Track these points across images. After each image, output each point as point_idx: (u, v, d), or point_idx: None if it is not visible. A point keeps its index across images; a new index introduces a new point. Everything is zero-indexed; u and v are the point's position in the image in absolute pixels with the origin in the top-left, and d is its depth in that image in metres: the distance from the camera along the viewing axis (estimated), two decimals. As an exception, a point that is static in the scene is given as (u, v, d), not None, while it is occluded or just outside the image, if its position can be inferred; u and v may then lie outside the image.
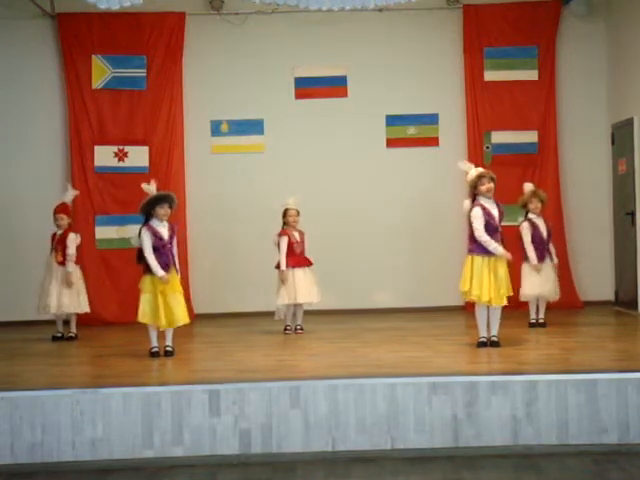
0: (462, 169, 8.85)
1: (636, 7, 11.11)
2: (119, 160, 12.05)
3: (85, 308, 10.27)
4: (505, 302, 8.59)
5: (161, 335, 8.69)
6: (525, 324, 10.06)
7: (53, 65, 12.12)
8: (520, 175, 11.83)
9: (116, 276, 11.73)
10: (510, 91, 12.17)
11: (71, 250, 10.06)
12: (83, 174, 11.96)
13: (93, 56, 12.02)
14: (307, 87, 12.28)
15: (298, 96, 12.29)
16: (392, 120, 12.30)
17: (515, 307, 9.86)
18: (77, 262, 10.27)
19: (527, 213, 10.12)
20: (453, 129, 12.25)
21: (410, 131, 12.32)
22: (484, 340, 8.65)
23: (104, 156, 12.00)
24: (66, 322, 10.32)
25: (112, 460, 6.78)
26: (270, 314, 10.45)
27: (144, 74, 12.09)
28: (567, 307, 11.26)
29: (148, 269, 8.52)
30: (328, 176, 12.16)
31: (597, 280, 12.08)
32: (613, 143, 12.02)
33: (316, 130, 12.25)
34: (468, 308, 9.78)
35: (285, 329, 10.26)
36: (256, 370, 7.75)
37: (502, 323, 8.74)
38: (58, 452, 6.78)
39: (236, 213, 12.17)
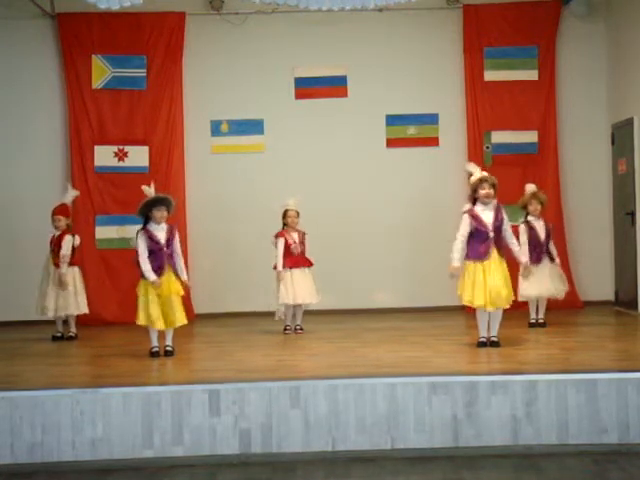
0: (468, 171, 8.85)
1: (636, 7, 11.11)
2: (119, 160, 12.05)
3: (84, 309, 10.26)
4: (500, 306, 8.56)
5: (161, 335, 8.69)
6: (525, 324, 10.06)
7: (53, 65, 12.12)
8: (520, 175, 11.84)
9: (116, 276, 11.73)
10: (510, 91, 12.17)
11: (65, 251, 10.02)
12: (83, 174, 11.97)
13: (93, 56, 12.02)
14: (307, 87, 12.28)
15: (298, 96, 12.29)
16: (392, 120, 12.30)
17: (515, 307, 9.85)
18: (77, 263, 10.29)
19: (527, 214, 10.12)
20: (453, 129, 12.25)
21: (410, 131, 12.32)
22: (484, 340, 8.66)
23: (104, 156, 12.01)
24: (66, 322, 10.32)
25: (112, 460, 6.78)
26: (270, 314, 10.45)
27: (144, 74, 12.09)
28: (567, 307, 11.24)
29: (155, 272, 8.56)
30: (328, 176, 12.16)
31: (597, 280, 12.08)
32: (613, 143, 12.02)
33: (316, 130, 12.25)
34: (468, 308, 9.78)
35: (285, 329, 10.26)
36: (256, 370, 7.75)
37: (502, 323, 8.74)
38: (58, 452, 6.79)
39: (236, 213, 12.17)
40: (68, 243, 10.08)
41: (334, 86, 12.28)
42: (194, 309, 11.89)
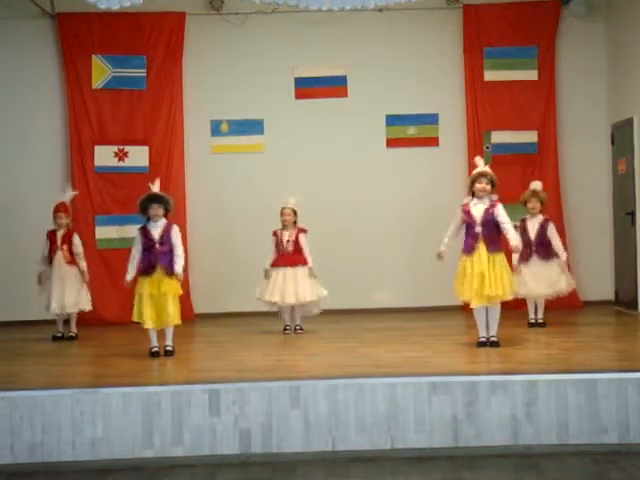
0: (477, 163, 8.87)
1: (636, 7, 11.11)
2: (119, 160, 12.05)
3: (89, 305, 10.31)
4: (483, 303, 8.55)
5: (161, 335, 8.69)
6: (525, 324, 10.06)
7: (53, 65, 12.12)
8: (520, 175, 11.86)
9: (116, 276, 11.66)
10: (510, 91, 12.17)
11: (79, 249, 10.25)
12: (83, 174, 11.97)
13: (93, 56, 12.02)
14: (307, 87, 12.28)
15: (298, 96, 12.29)
16: (392, 120, 12.30)
17: (515, 307, 9.87)
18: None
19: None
20: (453, 129, 12.26)
21: (410, 131, 12.32)
22: (483, 340, 8.66)
23: (104, 156, 12.01)
24: (66, 322, 10.32)
25: (112, 460, 6.78)
26: (270, 314, 10.46)
27: (144, 74, 12.09)
28: (567, 307, 11.25)
29: (140, 271, 8.57)
30: (328, 176, 12.16)
31: (597, 280, 12.08)
32: (613, 143, 12.02)
33: (316, 130, 12.25)
34: (467, 308, 9.77)
35: (285, 329, 10.26)
36: (256, 370, 7.76)
37: (501, 323, 8.74)
38: (58, 452, 6.79)
39: (236, 213, 12.18)
40: (79, 240, 10.26)
41: (334, 86, 12.28)
42: (194, 309, 11.90)
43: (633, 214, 11.26)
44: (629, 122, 11.36)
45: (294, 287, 10.05)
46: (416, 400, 6.86)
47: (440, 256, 8.77)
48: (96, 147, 12.02)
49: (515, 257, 9.66)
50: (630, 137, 11.32)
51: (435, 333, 9.93)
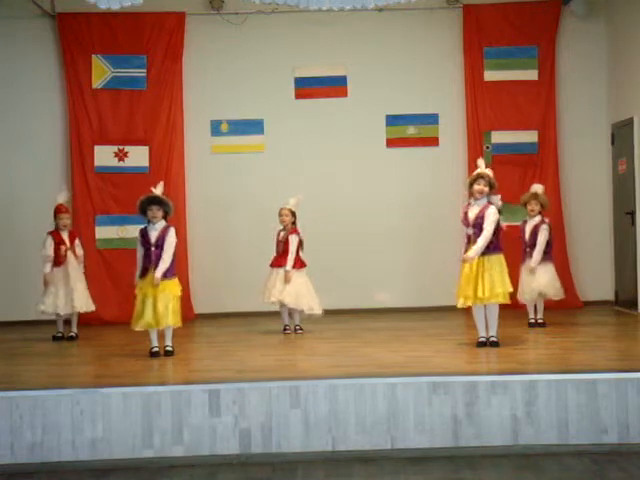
0: (479, 165, 8.86)
1: (636, 7, 11.11)
2: (119, 160, 12.05)
3: (92, 306, 10.35)
4: (468, 304, 8.56)
5: (161, 335, 8.69)
6: (524, 324, 10.06)
7: (53, 65, 12.12)
8: (520, 175, 11.89)
9: (116, 276, 11.72)
10: (510, 91, 12.17)
11: (82, 250, 10.34)
12: (83, 174, 11.97)
13: (93, 56, 12.02)
14: (307, 87, 12.28)
15: (298, 96, 12.29)
16: (392, 120, 12.30)
17: (515, 307, 9.86)
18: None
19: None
20: (453, 129, 12.26)
21: (410, 131, 12.32)
22: (483, 340, 8.66)
23: (104, 156, 12.01)
24: (66, 322, 10.32)
25: (112, 460, 6.78)
26: (270, 314, 10.47)
27: (144, 74, 12.09)
28: (567, 307, 11.26)
29: (140, 273, 8.59)
30: (328, 176, 12.16)
31: (597, 280, 12.08)
32: (613, 143, 12.02)
33: (316, 130, 12.25)
34: (467, 308, 9.76)
35: (284, 329, 10.26)
36: (256, 370, 7.75)
37: (501, 323, 8.74)
38: (58, 452, 6.79)
39: (236, 213, 12.17)
40: (79, 242, 10.31)
41: (334, 86, 12.28)
42: (194, 309, 11.90)
43: (633, 214, 11.26)
44: (629, 122, 11.36)
45: (279, 287, 10.05)
46: (416, 400, 6.86)
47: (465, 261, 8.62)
48: (96, 147, 12.02)
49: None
50: (630, 137, 11.32)
51: (435, 333, 9.93)
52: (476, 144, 12.12)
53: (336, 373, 7.37)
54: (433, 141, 12.33)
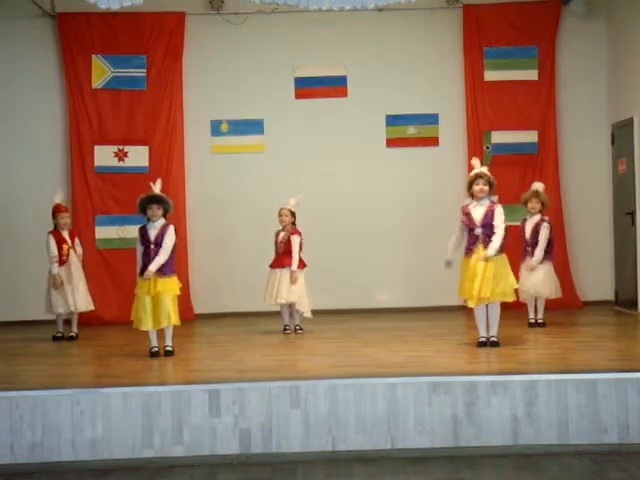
0: (474, 165, 8.86)
1: (636, 7, 11.11)
2: (119, 160, 12.05)
3: (92, 305, 10.37)
4: (481, 303, 8.55)
5: (161, 335, 8.69)
6: (525, 324, 10.07)
7: (53, 65, 12.11)
8: (520, 175, 11.89)
9: (116, 276, 11.73)
10: (510, 91, 12.16)
11: (81, 250, 10.33)
12: (83, 174, 11.97)
13: (93, 56, 12.02)
14: (307, 87, 12.28)
15: (298, 96, 12.29)
16: (392, 120, 12.30)
17: (515, 307, 9.86)
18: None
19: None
20: (453, 129, 12.26)
21: (410, 131, 12.32)
22: (483, 340, 8.66)
23: (104, 156, 12.00)
24: (67, 322, 10.32)
25: (112, 460, 6.78)
26: (270, 314, 10.46)
27: (144, 74, 12.09)
28: (567, 307, 11.27)
29: (140, 271, 8.58)
30: (328, 176, 12.15)
31: (597, 280, 12.08)
32: (613, 143, 12.02)
33: (316, 130, 12.25)
34: (468, 308, 9.76)
35: (285, 329, 10.26)
36: (256, 370, 7.75)
37: (501, 323, 8.75)
38: (58, 452, 6.79)
39: (236, 213, 12.17)
40: (79, 242, 10.33)
41: (334, 86, 12.28)
42: (194, 309, 11.90)
43: (633, 214, 11.26)
44: (629, 122, 11.36)
45: (286, 287, 10.05)
46: (416, 400, 6.87)
47: (449, 263, 8.77)
48: (96, 147, 12.02)
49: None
50: (630, 137, 11.32)
51: (435, 333, 9.93)
52: (476, 144, 12.12)
53: (336, 373, 7.37)
54: (433, 141, 12.32)
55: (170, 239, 8.63)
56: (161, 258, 8.54)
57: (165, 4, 11.82)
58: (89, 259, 11.49)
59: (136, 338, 9.21)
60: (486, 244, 8.55)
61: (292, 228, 10.20)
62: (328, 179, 12.16)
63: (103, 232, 11.97)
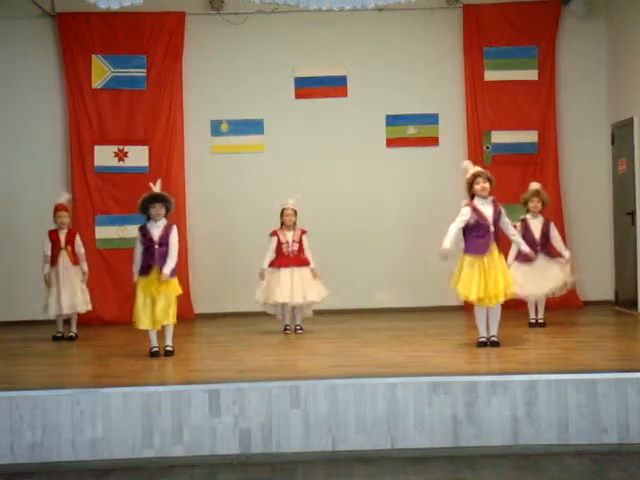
0: (463, 168, 8.85)
1: (636, 7, 11.11)
2: (119, 160, 12.05)
3: (90, 306, 10.33)
4: (495, 303, 8.55)
5: (161, 335, 8.69)
6: (525, 324, 10.06)
7: (53, 65, 12.12)
8: (520, 175, 11.88)
9: (116, 276, 11.73)
10: (510, 91, 12.16)
11: (83, 249, 10.29)
12: (83, 174, 11.97)
13: (93, 56, 12.02)
14: (307, 87, 12.28)
15: (298, 96, 12.29)
16: (392, 120, 12.30)
17: (515, 307, 9.87)
18: (77, 262, 10.34)
19: (527, 212, 10.12)
20: (453, 129, 12.25)
21: (410, 131, 12.32)
22: (484, 340, 8.66)
23: (104, 156, 12.01)
24: (66, 322, 10.32)
25: (112, 460, 6.78)
26: (270, 314, 10.46)
27: (144, 74, 12.09)
28: (567, 307, 11.26)
29: (141, 270, 8.56)
30: (328, 176, 12.16)
31: (597, 280, 12.08)
32: (613, 143, 12.02)
33: (316, 130, 12.25)
34: (468, 308, 9.78)
35: (285, 329, 10.26)
36: (256, 370, 7.75)
37: (502, 323, 8.75)
38: (58, 452, 6.79)
39: (236, 213, 12.17)
40: (80, 240, 10.29)
41: (334, 86, 12.28)
42: (194, 309, 11.90)
43: (633, 214, 11.26)
44: (629, 122, 11.36)
45: (302, 287, 10.06)
46: (416, 400, 6.86)
47: (444, 255, 8.48)
48: (96, 147, 12.02)
49: (527, 250, 9.41)
50: (630, 137, 11.32)
51: (435, 333, 9.93)
52: (476, 144, 12.12)
53: (336, 373, 7.37)
54: (433, 141, 12.32)
55: (176, 239, 8.66)
56: (173, 259, 8.56)
57: (165, 4, 11.82)
58: (89, 259, 11.46)
59: (136, 338, 9.21)
60: (497, 242, 8.53)
61: (300, 228, 10.23)
62: (328, 179, 12.17)
63: (103, 232, 11.98)
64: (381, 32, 12.20)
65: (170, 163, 12.03)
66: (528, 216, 10.09)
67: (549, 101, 12.18)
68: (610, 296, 12.04)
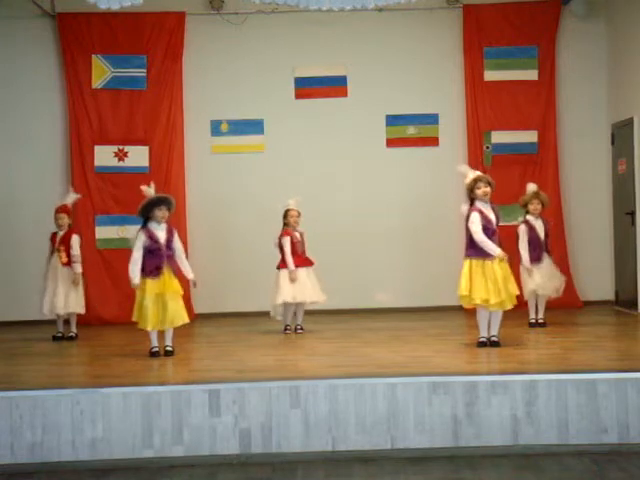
0: (461, 173, 8.84)
1: (636, 7, 11.11)
2: (119, 160, 12.05)
3: (81, 309, 10.29)
4: (509, 306, 8.57)
5: (161, 335, 8.70)
6: (525, 324, 10.07)
7: (53, 65, 12.12)
8: (520, 175, 11.87)
9: (116, 276, 11.71)
10: (510, 91, 12.16)
11: (76, 251, 10.15)
12: (83, 174, 11.97)
13: (93, 56, 12.02)
14: (307, 87, 12.28)
15: (298, 96, 12.29)
16: (392, 120, 12.30)
17: (515, 307, 9.84)
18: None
19: (527, 213, 10.12)
20: (453, 129, 12.25)
21: (410, 131, 12.32)
22: (484, 340, 8.66)
23: (104, 156, 12.01)
24: (66, 322, 10.32)
25: (112, 460, 6.78)
26: (272, 316, 10.46)
27: (144, 74, 12.09)
28: (567, 307, 11.26)
29: (142, 271, 8.56)
30: (328, 176, 12.16)
31: (597, 280, 12.08)
32: (613, 143, 12.02)
33: (316, 130, 12.25)
34: (468, 308, 9.76)
35: (285, 329, 10.26)
36: (256, 370, 7.75)
37: (502, 323, 8.75)
38: (58, 452, 6.79)
39: (236, 213, 12.17)
40: (77, 243, 10.18)
41: (334, 86, 12.28)
42: (194, 309, 11.90)
43: (633, 214, 11.26)
44: (629, 122, 11.36)
45: (309, 287, 10.11)
46: (416, 400, 6.86)
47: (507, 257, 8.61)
48: (96, 147, 12.02)
49: (525, 260, 9.65)
50: (630, 137, 11.32)
51: (435, 333, 9.93)
52: (476, 144, 12.12)
53: (336, 373, 7.37)
54: (433, 141, 12.32)
55: (180, 241, 8.83)
56: (186, 261, 8.81)
57: (165, 4, 11.82)
58: (89, 259, 11.48)
59: (136, 338, 9.22)
60: (501, 246, 8.55)
61: (299, 229, 10.26)
62: (328, 179, 12.17)
63: (103, 232, 11.98)
64: (381, 32, 12.20)
65: (170, 163, 12.03)
66: (530, 217, 10.09)
67: (549, 101, 12.18)
68: (610, 296, 12.04)
